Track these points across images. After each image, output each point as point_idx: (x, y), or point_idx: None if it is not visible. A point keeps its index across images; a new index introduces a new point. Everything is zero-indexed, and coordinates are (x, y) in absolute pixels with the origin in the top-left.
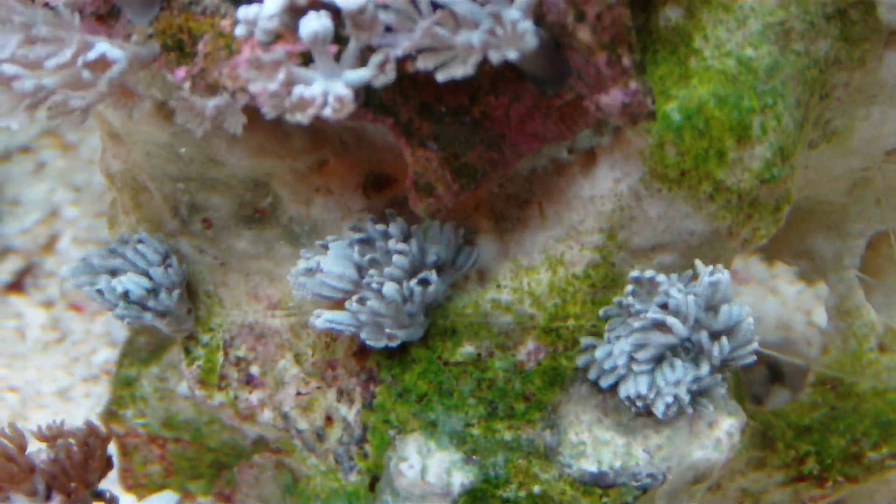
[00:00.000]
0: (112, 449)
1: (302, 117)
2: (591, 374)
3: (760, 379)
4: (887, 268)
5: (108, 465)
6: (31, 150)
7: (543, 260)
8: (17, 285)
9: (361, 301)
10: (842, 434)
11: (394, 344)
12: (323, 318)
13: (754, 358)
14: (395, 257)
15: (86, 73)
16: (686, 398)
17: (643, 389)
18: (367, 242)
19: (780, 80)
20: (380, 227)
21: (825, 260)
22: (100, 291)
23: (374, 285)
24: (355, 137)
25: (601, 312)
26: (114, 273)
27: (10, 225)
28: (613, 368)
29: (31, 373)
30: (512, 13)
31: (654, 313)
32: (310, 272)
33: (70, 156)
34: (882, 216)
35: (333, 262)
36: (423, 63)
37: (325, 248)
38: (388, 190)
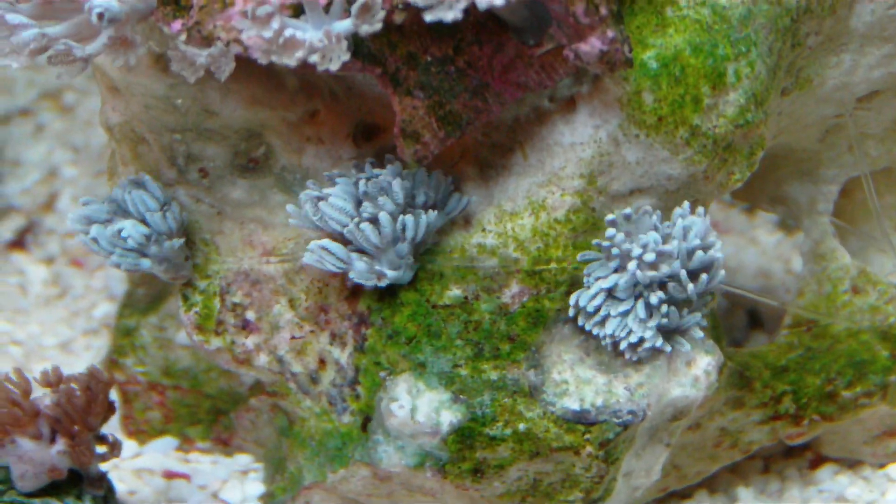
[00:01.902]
0: (114, 395)
1: (290, 60)
2: (571, 313)
3: (740, 324)
4: (861, 213)
5: (110, 409)
6: (30, 112)
7: (526, 205)
8: (18, 243)
9: (358, 227)
10: (817, 374)
11: (383, 284)
12: (315, 245)
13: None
14: (394, 184)
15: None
16: (653, 338)
17: (611, 330)
18: (365, 180)
19: (753, 28)
20: (377, 170)
21: (800, 205)
22: (95, 239)
23: (366, 215)
24: (345, 88)
25: (580, 256)
26: (111, 217)
27: (11, 185)
28: (595, 309)
29: (34, 327)
30: None
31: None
32: (316, 200)
33: (68, 117)
34: (854, 162)
35: (338, 194)
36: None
37: (333, 182)
38: (378, 139)
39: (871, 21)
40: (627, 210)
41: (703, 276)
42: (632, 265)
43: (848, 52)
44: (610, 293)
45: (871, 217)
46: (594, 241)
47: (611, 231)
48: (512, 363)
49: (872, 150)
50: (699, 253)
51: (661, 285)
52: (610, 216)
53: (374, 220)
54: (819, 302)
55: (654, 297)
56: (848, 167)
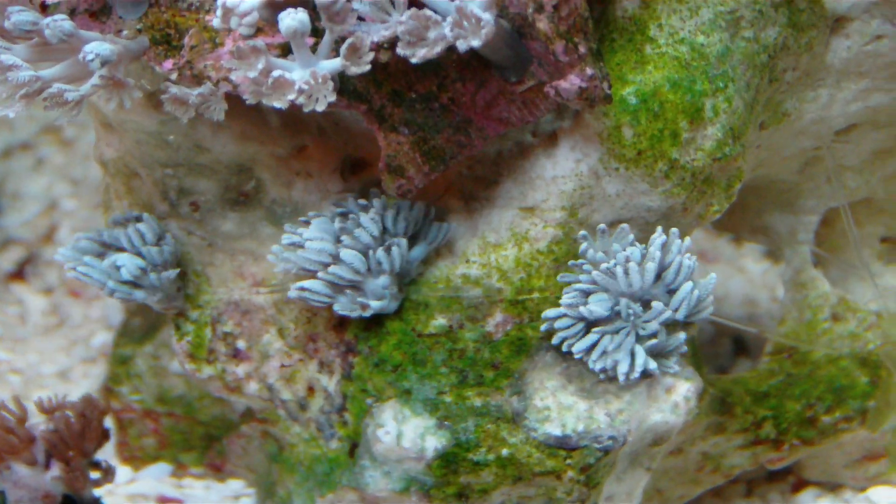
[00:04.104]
0: (109, 422)
1: (280, 102)
2: (555, 340)
3: (725, 351)
4: (842, 242)
5: (104, 435)
6: (30, 146)
7: (510, 237)
8: (18, 274)
9: (336, 265)
10: (797, 399)
11: (366, 314)
12: (295, 287)
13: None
14: (364, 220)
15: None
16: (627, 362)
17: (585, 346)
18: (346, 216)
19: (730, 65)
20: (362, 201)
21: (780, 235)
22: (87, 274)
23: (346, 254)
24: (332, 124)
25: (559, 278)
26: (107, 253)
27: (12, 217)
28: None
29: (33, 355)
30: (475, 6)
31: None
32: (293, 246)
33: (68, 151)
34: (833, 193)
35: (314, 236)
36: (401, 50)
37: (307, 223)
38: (364, 172)
39: (848, 57)
40: (602, 225)
41: (687, 299)
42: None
43: (825, 86)
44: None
45: (852, 246)
46: (570, 263)
47: (584, 246)
48: (495, 390)
49: (851, 181)
50: (675, 278)
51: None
52: (582, 231)
53: (350, 256)
54: (800, 329)
55: (632, 321)
56: (827, 198)
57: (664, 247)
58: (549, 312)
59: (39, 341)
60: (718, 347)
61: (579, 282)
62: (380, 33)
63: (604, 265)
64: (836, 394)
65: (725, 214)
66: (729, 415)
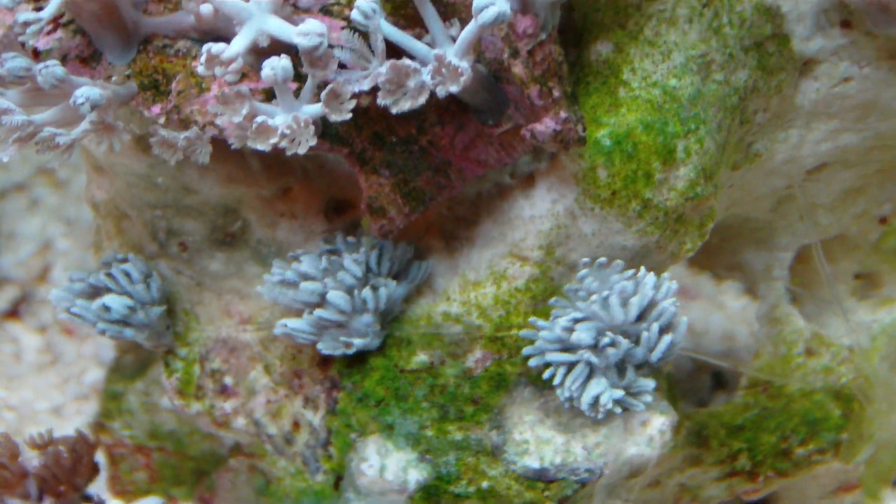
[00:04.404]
0: (101, 457)
1: (263, 146)
2: (526, 351)
3: (704, 386)
4: (817, 278)
5: (95, 470)
6: (25, 187)
7: (489, 275)
8: (13, 313)
9: (322, 305)
10: (772, 432)
11: (350, 352)
12: (280, 325)
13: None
14: (347, 262)
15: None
16: (606, 399)
17: (561, 384)
18: (334, 253)
19: (702, 107)
20: (350, 238)
21: (756, 272)
22: (79, 315)
23: (331, 293)
24: (316, 166)
25: (551, 301)
26: (98, 293)
27: (7, 257)
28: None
29: (27, 392)
30: (452, 54)
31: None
32: (282, 283)
33: (62, 192)
34: (806, 230)
35: (305, 272)
36: (381, 100)
37: (297, 259)
38: (348, 214)
39: (817, 99)
40: (602, 259)
41: (665, 338)
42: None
43: (795, 127)
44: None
45: (825, 282)
46: (550, 301)
47: (583, 272)
48: (475, 424)
49: (823, 219)
50: (668, 309)
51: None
52: (568, 285)
53: (335, 295)
54: (774, 363)
55: (611, 354)
56: (800, 235)
57: (655, 286)
58: (527, 335)
59: (34, 378)
60: (697, 382)
61: (570, 309)
62: (360, 84)
63: (598, 295)
64: (810, 426)
65: (703, 252)
66: (705, 447)
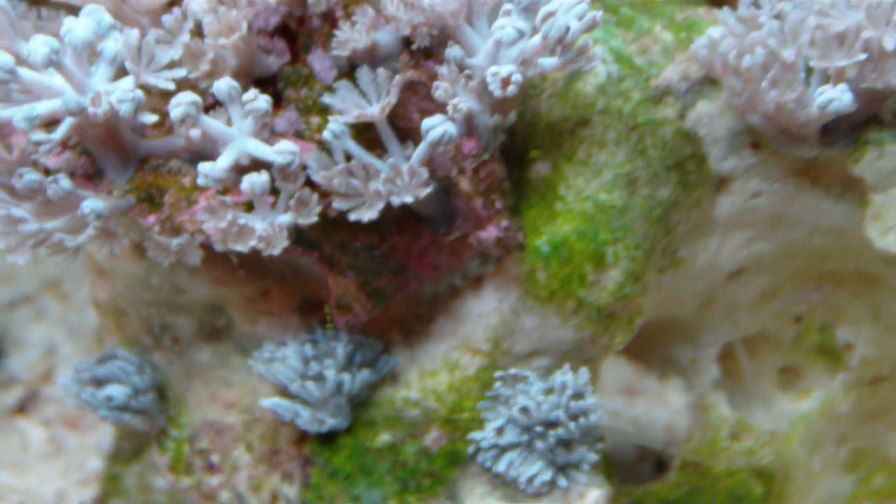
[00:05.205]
0: None
1: (243, 247)
2: (471, 449)
3: (647, 471)
4: (742, 371)
5: None
6: (32, 299)
7: (444, 365)
8: (20, 409)
9: (303, 385)
10: None
11: (324, 429)
12: (268, 401)
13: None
14: (338, 350)
15: (81, 215)
16: (539, 479)
17: (502, 468)
18: (314, 343)
19: (629, 218)
20: (329, 331)
21: (685, 366)
22: (86, 401)
23: (311, 373)
24: (292, 270)
25: (480, 405)
26: (100, 382)
27: (16, 361)
28: (490, 446)
29: (33, 479)
30: (406, 167)
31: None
32: (269, 361)
33: (65, 303)
34: (728, 330)
35: (291, 352)
36: (337, 205)
37: (284, 344)
38: (320, 310)
39: (732, 211)
40: (512, 370)
41: (581, 420)
42: (517, 412)
43: (714, 236)
44: (501, 433)
45: (754, 373)
46: (487, 393)
47: (497, 385)
48: (432, 496)
49: (743, 318)
50: (574, 406)
51: (550, 427)
52: (498, 373)
53: (317, 378)
54: (703, 447)
55: (541, 441)
56: (724, 333)
57: (563, 387)
58: (476, 435)
59: (39, 467)
60: (640, 468)
61: (494, 413)
62: (328, 181)
63: (520, 403)
64: (734, 501)
65: (641, 348)
66: None
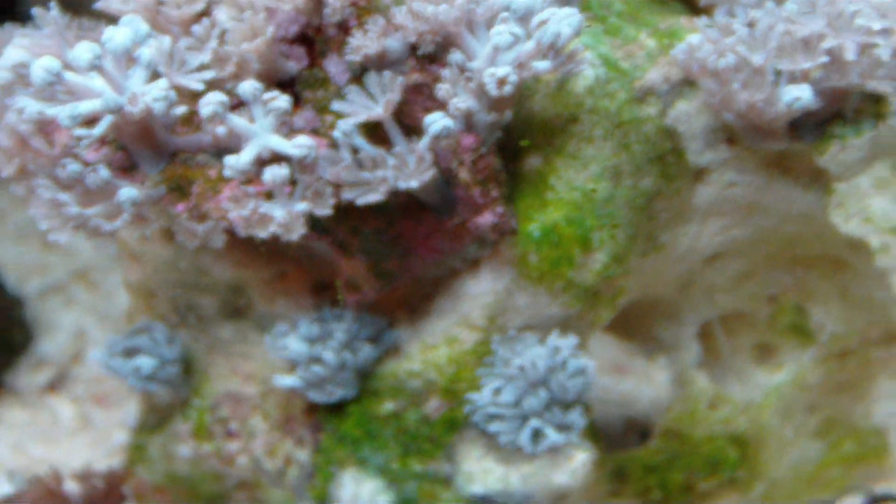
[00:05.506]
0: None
1: (263, 233)
2: (467, 409)
3: (633, 441)
4: (719, 348)
5: (122, 497)
6: (62, 287)
7: (444, 340)
8: (52, 387)
9: (308, 367)
10: (680, 470)
11: (333, 399)
12: (280, 380)
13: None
14: (337, 331)
15: (117, 202)
16: (538, 436)
17: (497, 428)
18: (323, 321)
19: (614, 206)
20: (337, 311)
21: (667, 342)
22: (114, 369)
23: (317, 355)
24: (306, 254)
25: (477, 372)
26: (130, 353)
27: (47, 343)
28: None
29: (63, 451)
30: (412, 157)
31: (512, 367)
32: (280, 339)
33: (94, 291)
34: (706, 309)
35: (297, 336)
36: (346, 195)
37: (294, 325)
38: (331, 291)
39: (710, 201)
40: (512, 331)
41: (578, 380)
42: (515, 369)
43: (693, 223)
44: (497, 393)
45: (731, 349)
46: (485, 359)
47: (495, 346)
48: (432, 458)
49: (720, 299)
50: (571, 363)
51: (544, 387)
52: (496, 337)
53: (321, 360)
54: (683, 416)
55: (536, 400)
56: (703, 312)
57: (556, 349)
58: (473, 395)
59: (69, 440)
60: (627, 438)
61: (492, 377)
62: (334, 176)
63: (517, 362)
64: (711, 466)
65: (629, 326)
66: (625, 483)
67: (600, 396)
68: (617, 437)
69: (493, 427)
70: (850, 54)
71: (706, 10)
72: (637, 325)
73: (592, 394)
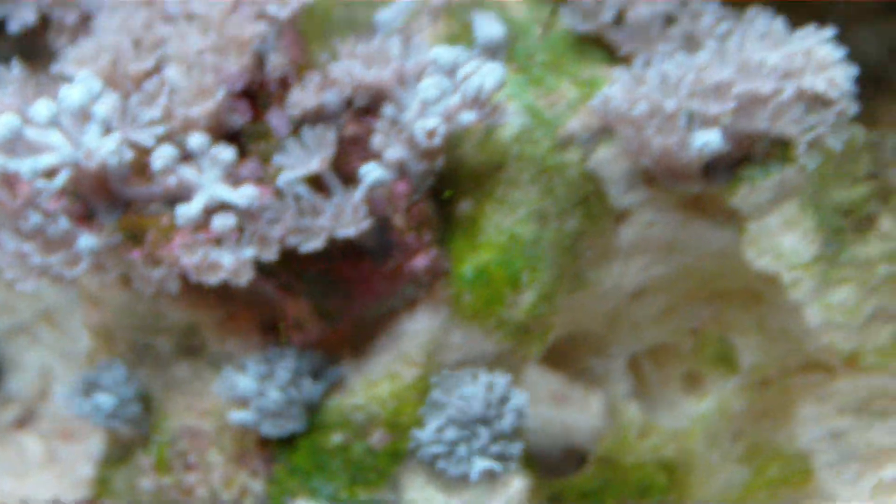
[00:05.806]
0: None
1: (214, 279)
2: (418, 453)
3: (571, 468)
4: (647, 379)
5: None
6: (28, 328)
7: (385, 375)
8: (20, 424)
9: (259, 402)
10: (613, 495)
11: (284, 433)
12: (234, 416)
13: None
14: (280, 369)
15: (77, 251)
16: (479, 466)
17: (439, 462)
18: (269, 362)
19: (541, 247)
20: (280, 349)
21: (599, 374)
22: (79, 411)
23: (267, 391)
24: (255, 296)
25: (420, 411)
26: (92, 391)
27: (14, 382)
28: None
29: (31, 485)
30: (349, 205)
31: (453, 405)
32: (229, 380)
33: (58, 331)
34: (633, 342)
35: (246, 375)
36: (291, 240)
37: (242, 367)
38: (277, 331)
39: (631, 240)
40: (446, 371)
41: (509, 417)
42: (455, 411)
43: (618, 261)
44: (441, 430)
45: (658, 380)
46: (427, 398)
47: (434, 384)
48: (377, 488)
49: (647, 332)
50: (505, 397)
51: (483, 423)
52: (434, 377)
53: (267, 396)
54: (615, 445)
55: (474, 436)
56: (631, 346)
57: (490, 385)
58: (417, 433)
59: (36, 475)
60: (565, 464)
61: (433, 418)
62: (278, 231)
63: (455, 402)
64: (641, 491)
65: (564, 359)
66: None
67: (540, 426)
68: (556, 464)
69: (440, 464)
70: (763, 93)
71: (626, 59)
72: (571, 358)
73: (531, 423)
